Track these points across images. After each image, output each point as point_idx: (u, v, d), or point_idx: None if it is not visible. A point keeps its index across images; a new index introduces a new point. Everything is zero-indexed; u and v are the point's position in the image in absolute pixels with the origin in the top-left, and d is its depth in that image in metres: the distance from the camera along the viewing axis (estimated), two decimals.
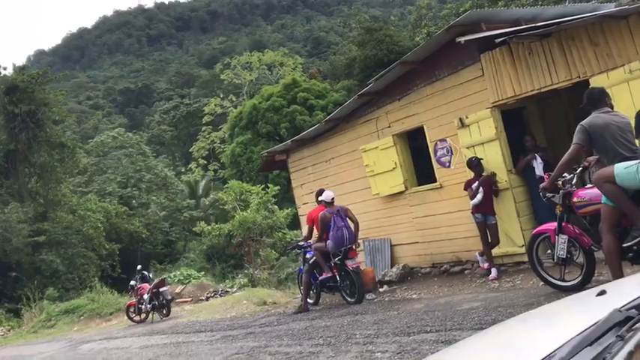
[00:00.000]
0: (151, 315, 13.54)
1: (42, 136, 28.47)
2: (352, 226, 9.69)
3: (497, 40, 8.23)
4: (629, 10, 7.18)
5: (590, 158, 6.23)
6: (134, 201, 36.73)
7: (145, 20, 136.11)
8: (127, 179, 37.81)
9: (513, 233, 8.98)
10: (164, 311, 13.33)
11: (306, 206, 12.54)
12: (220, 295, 16.25)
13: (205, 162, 49.23)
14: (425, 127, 10.18)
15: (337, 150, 12.14)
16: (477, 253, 9.28)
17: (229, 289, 17.15)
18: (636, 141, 5.55)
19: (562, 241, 6.23)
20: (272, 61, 55.48)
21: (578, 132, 5.61)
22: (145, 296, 13.39)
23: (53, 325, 17.04)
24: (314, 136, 12.65)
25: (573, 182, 6.10)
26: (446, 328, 5.95)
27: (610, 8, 8.86)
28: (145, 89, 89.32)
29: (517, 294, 7.25)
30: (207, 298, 16.23)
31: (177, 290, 17.07)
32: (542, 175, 7.86)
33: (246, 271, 20.45)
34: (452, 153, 9.79)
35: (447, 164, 9.92)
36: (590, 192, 5.84)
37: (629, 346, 0.97)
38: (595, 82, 7.06)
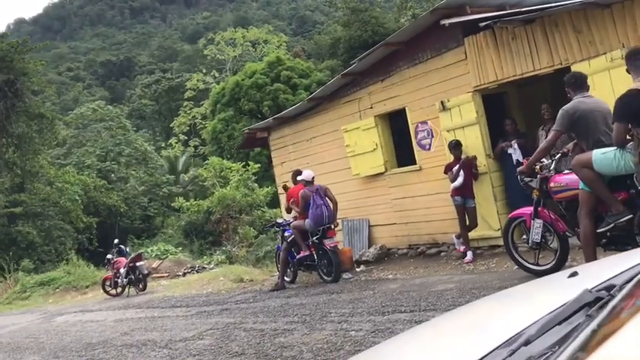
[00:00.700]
0: (127, 289, 13.49)
1: (20, 106, 27.85)
2: (331, 205, 9.72)
3: (482, 24, 8.22)
4: None
5: (569, 145, 6.27)
6: (113, 175, 36.35)
7: None
8: (107, 153, 37.35)
9: (490, 217, 9.06)
10: (140, 286, 13.29)
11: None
12: (197, 272, 16.23)
13: (186, 138, 48.68)
14: (407, 109, 10.17)
15: (319, 129, 12.10)
16: (453, 236, 9.36)
17: (206, 266, 17.13)
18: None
19: (537, 225, 6.28)
20: (256, 38, 54.77)
21: (560, 117, 5.62)
22: (122, 270, 13.34)
23: (28, 296, 16.89)
24: (296, 114, 12.59)
25: (551, 168, 6.13)
26: (420, 309, 6.00)
27: None
28: (126, 62, 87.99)
29: (491, 277, 7.34)
30: (184, 274, 16.20)
31: (154, 265, 17.03)
32: (521, 160, 7.91)
33: (224, 248, 20.46)
34: (432, 136, 9.80)
35: (428, 147, 9.94)
36: (568, 178, 5.88)
37: (593, 325, 0.97)
38: (577, 68, 7.08)
